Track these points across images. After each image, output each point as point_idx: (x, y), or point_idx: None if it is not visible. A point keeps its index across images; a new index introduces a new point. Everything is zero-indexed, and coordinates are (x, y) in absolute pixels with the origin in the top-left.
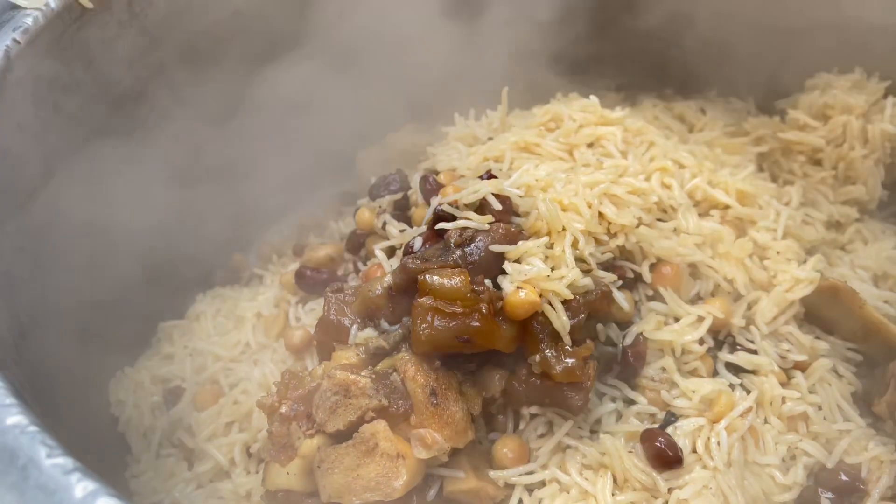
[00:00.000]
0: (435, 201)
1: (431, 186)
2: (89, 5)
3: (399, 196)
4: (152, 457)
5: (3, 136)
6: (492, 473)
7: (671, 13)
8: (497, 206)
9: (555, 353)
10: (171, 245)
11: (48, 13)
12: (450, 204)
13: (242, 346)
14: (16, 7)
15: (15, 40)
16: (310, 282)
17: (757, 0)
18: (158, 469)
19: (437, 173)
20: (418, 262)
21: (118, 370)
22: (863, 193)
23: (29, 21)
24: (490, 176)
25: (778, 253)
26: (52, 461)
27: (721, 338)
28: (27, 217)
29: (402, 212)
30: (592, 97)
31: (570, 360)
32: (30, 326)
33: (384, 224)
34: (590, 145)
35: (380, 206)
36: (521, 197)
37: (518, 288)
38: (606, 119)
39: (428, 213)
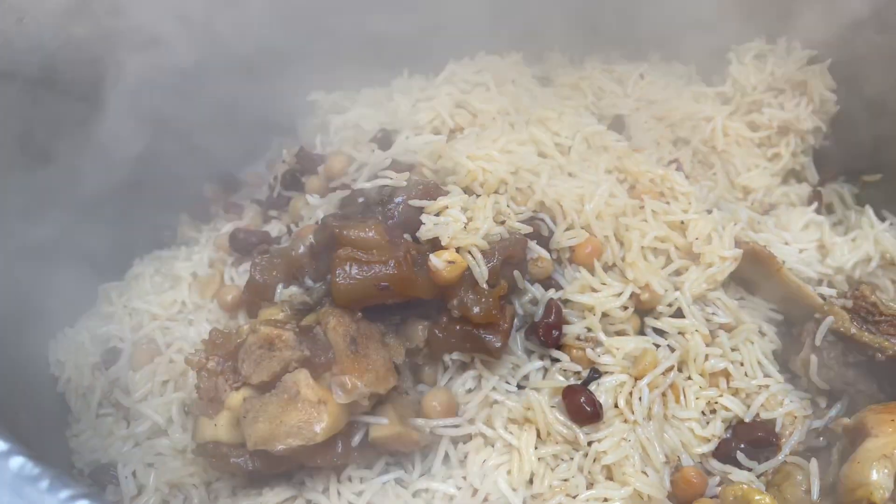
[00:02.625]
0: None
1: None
2: None
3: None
4: (92, 416)
5: None
6: (417, 422)
7: None
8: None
9: (473, 296)
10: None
11: None
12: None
13: (179, 305)
14: None
15: None
16: (242, 244)
17: None
18: (98, 428)
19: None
20: (339, 219)
21: (58, 331)
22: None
23: None
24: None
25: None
26: None
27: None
28: None
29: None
30: None
31: (486, 301)
32: None
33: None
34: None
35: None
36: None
37: (446, 260)
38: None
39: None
